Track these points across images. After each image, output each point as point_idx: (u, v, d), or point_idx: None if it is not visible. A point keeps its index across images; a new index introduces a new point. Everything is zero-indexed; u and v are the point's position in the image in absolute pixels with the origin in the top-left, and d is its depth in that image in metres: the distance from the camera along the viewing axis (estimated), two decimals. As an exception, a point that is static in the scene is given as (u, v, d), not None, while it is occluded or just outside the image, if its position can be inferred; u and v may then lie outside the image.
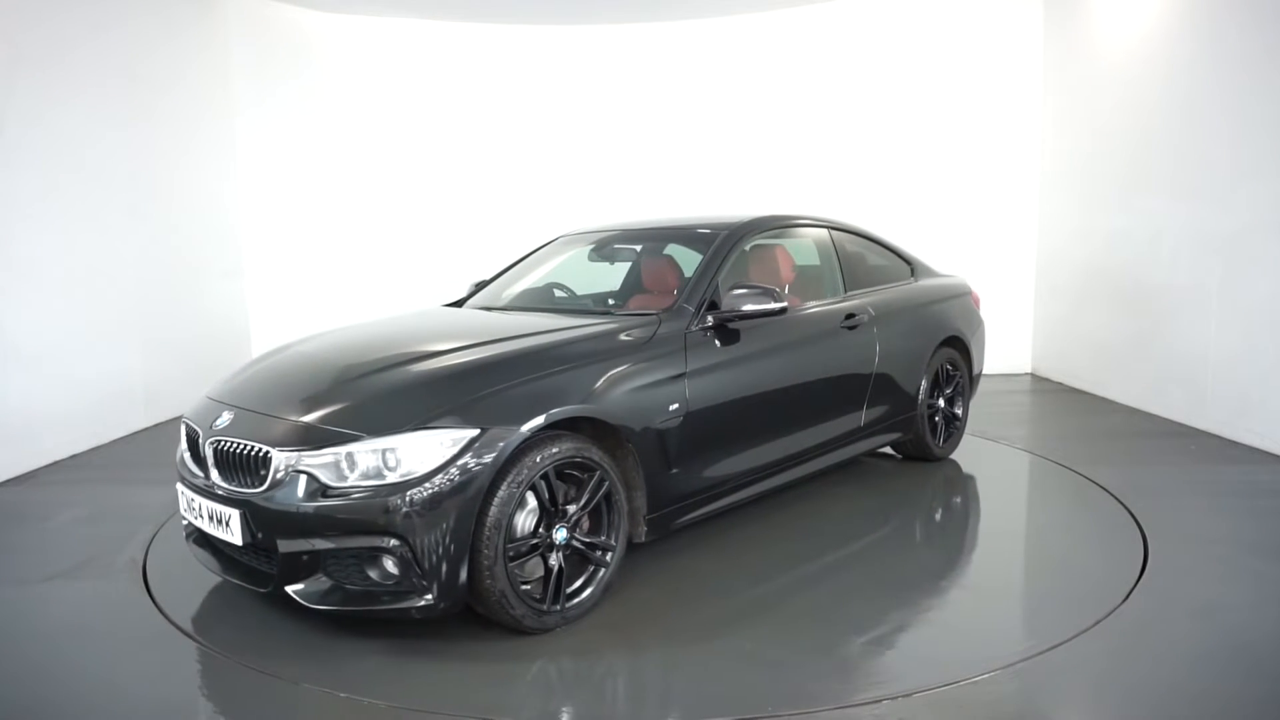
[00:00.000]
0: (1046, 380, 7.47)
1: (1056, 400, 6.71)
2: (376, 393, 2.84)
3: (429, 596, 2.60)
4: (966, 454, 4.99)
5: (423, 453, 2.59)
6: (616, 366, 3.07)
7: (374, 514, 2.55)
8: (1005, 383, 7.35)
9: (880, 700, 2.42)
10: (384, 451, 2.60)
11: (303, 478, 2.62)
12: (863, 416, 4.21)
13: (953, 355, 4.84)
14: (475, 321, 3.79)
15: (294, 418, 2.79)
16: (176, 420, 3.37)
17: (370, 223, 8.10)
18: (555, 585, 2.83)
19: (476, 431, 2.65)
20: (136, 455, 5.43)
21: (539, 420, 2.75)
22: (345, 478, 2.60)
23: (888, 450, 4.80)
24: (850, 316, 4.14)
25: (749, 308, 3.44)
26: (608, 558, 2.99)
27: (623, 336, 3.23)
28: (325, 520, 2.58)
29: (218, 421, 2.94)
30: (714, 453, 3.40)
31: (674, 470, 3.21)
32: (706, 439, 3.34)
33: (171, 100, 6.52)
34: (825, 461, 4.05)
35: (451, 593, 2.63)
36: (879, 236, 4.84)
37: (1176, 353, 5.69)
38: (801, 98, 7.99)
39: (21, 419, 4.95)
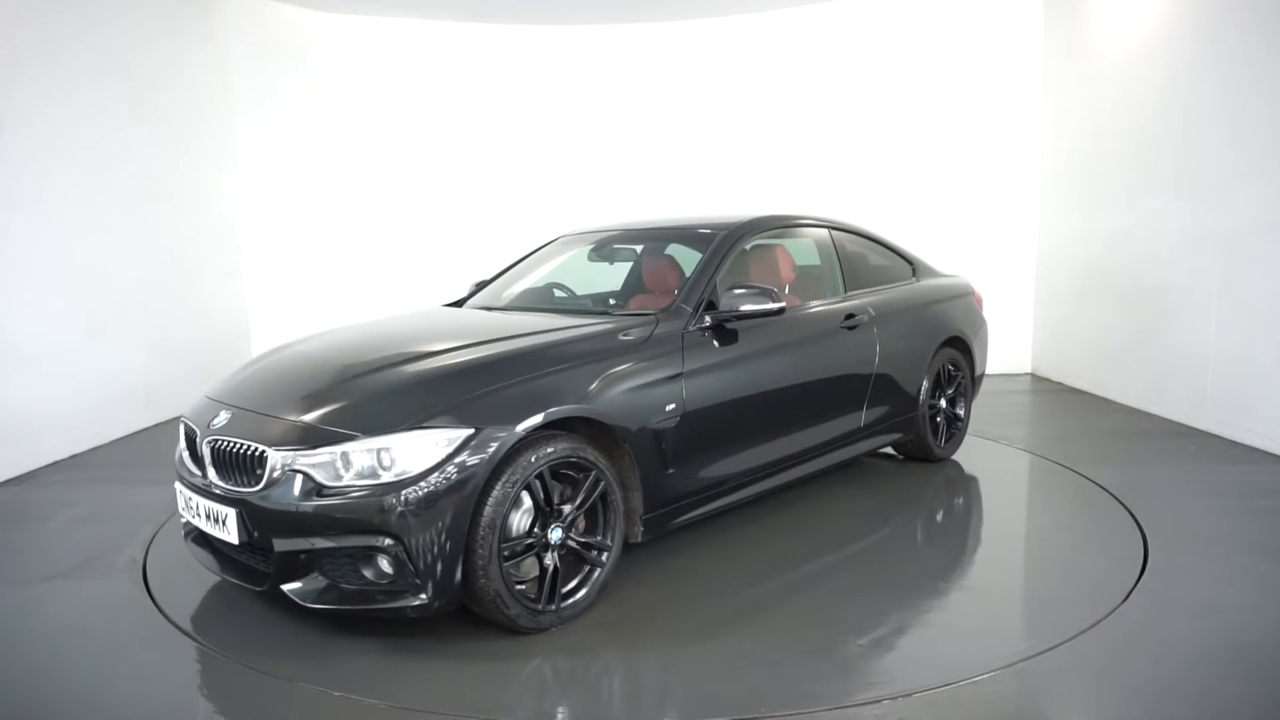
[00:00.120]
0: (1046, 380, 7.46)
1: (1056, 400, 6.70)
2: (372, 392, 2.84)
3: (424, 596, 2.60)
4: (966, 454, 4.97)
5: (417, 452, 2.59)
6: (612, 366, 3.07)
7: (369, 513, 2.55)
8: (1005, 383, 7.34)
9: (880, 700, 2.41)
10: (378, 451, 2.60)
11: (298, 477, 2.62)
12: (862, 417, 4.20)
13: (954, 356, 4.82)
14: (474, 321, 3.78)
15: (290, 417, 2.79)
16: (176, 420, 3.37)
17: (370, 223, 8.11)
18: (551, 585, 2.83)
19: (471, 431, 2.64)
20: (136, 455, 5.43)
21: (534, 420, 2.75)
22: (340, 477, 2.60)
23: (889, 451, 4.79)
24: (850, 316, 4.13)
25: (747, 308, 3.43)
26: (603, 558, 2.98)
27: (619, 337, 3.23)
28: (320, 519, 2.58)
29: (215, 421, 2.94)
30: (711, 453, 3.40)
31: (671, 470, 3.21)
32: (703, 439, 3.33)
33: (171, 100, 6.53)
34: (824, 462, 4.04)
35: (446, 592, 2.62)
36: (880, 236, 4.83)
37: (1176, 353, 5.68)
38: (801, 98, 7.98)
39: (21, 419, 4.95)
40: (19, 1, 4.99)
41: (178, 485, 3.07)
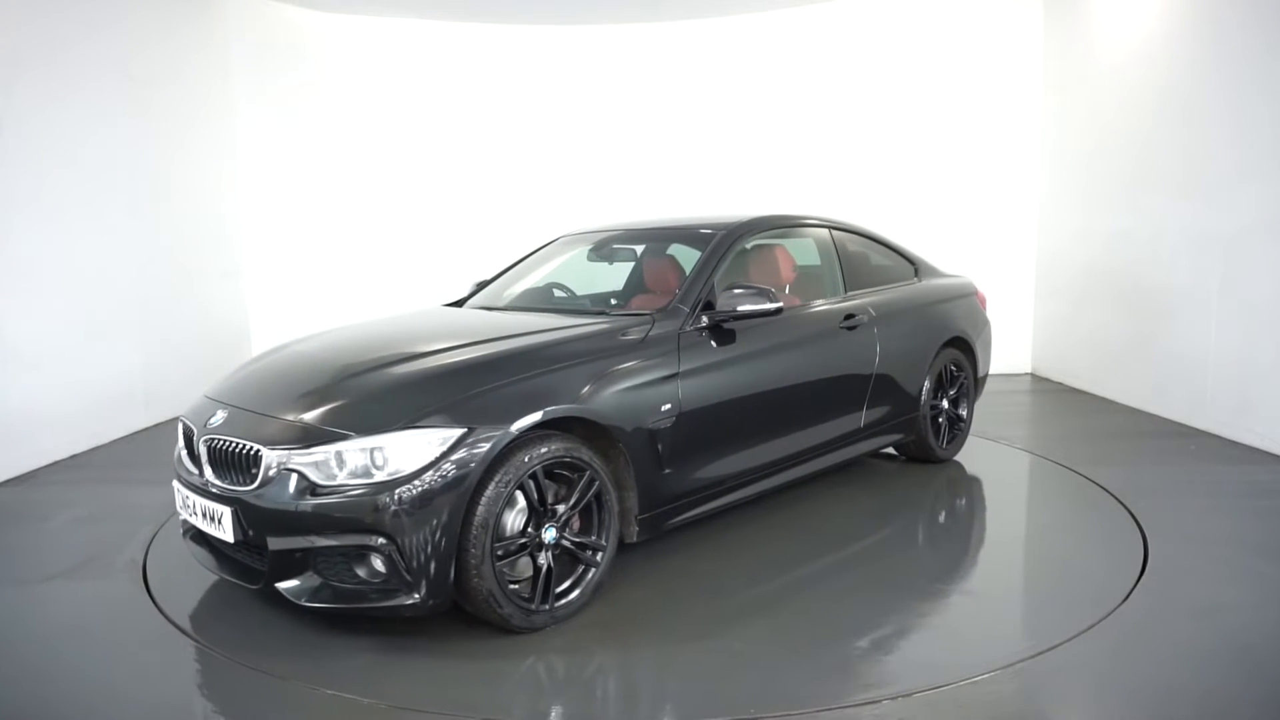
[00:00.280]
0: (1046, 380, 7.44)
1: (1057, 400, 6.69)
2: (367, 392, 2.84)
3: (417, 595, 2.60)
4: (966, 454, 4.96)
5: (410, 451, 2.59)
6: (607, 367, 3.06)
7: (362, 512, 2.55)
8: (1005, 383, 7.32)
9: (880, 700, 2.40)
10: (372, 450, 2.60)
11: (293, 476, 2.62)
12: (862, 417, 4.19)
13: (957, 356, 4.81)
14: (472, 321, 3.78)
15: (285, 416, 2.79)
16: (176, 420, 3.37)
17: (370, 223, 8.11)
18: (544, 585, 2.82)
19: (464, 430, 2.64)
20: (136, 455, 5.44)
21: (527, 420, 2.74)
22: (334, 476, 2.60)
23: (890, 451, 4.78)
24: (849, 316, 4.12)
25: (744, 308, 3.42)
26: (598, 558, 2.97)
27: (615, 337, 3.22)
28: (314, 518, 2.58)
29: (212, 420, 2.95)
30: (708, 453, 3.38)
31: (666, 471, 3.20)
32: (700, 440, 3.32)
33: (170, 99, 6.53)
34: (823, 462, 4.02)
35: (440, 591, 2.62)
36: (882, 236, 4.82)
37: (1176, 353, 5.66)
38: (801, 98, 7.98)
39: (21, 419, 4.95)
40: (19, 1, 4.99)
41: (176, 484, 3.08)
